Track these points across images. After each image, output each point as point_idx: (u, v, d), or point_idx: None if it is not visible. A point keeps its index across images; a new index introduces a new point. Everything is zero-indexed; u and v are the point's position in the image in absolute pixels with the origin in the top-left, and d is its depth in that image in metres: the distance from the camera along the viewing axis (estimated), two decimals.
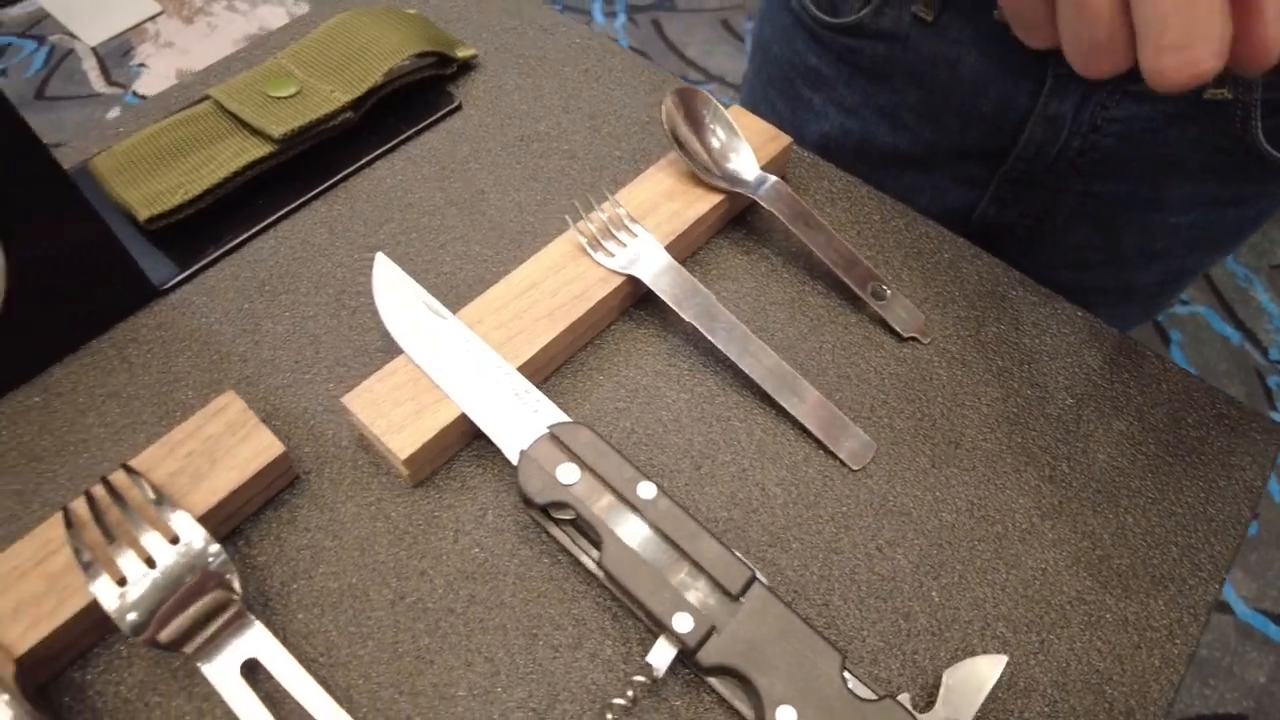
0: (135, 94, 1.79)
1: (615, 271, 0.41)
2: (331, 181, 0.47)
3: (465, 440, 0.38)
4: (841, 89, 0.59)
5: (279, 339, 0.42)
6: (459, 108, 0.51)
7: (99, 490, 0.34)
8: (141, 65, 1.84)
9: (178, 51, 1.87)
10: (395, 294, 0.39)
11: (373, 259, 0.44)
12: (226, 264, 0.44)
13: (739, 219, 0.47)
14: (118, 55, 1.87)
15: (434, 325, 0.39)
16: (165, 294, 0.43)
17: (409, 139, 0.49)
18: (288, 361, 0.41)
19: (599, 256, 0.41)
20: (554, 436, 0.35)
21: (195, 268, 0.44)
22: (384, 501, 0.37)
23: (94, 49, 1.88)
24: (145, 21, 1.93)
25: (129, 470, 0.35)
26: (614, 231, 0.42)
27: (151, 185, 0.43)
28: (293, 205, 0.46)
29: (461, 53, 0.52)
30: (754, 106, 0.67)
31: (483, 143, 0.50)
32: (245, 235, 0.45)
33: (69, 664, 0.33)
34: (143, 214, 0.42)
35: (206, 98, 0.47)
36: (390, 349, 0.41)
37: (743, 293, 0.44)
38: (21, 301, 0.38)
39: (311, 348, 0.41)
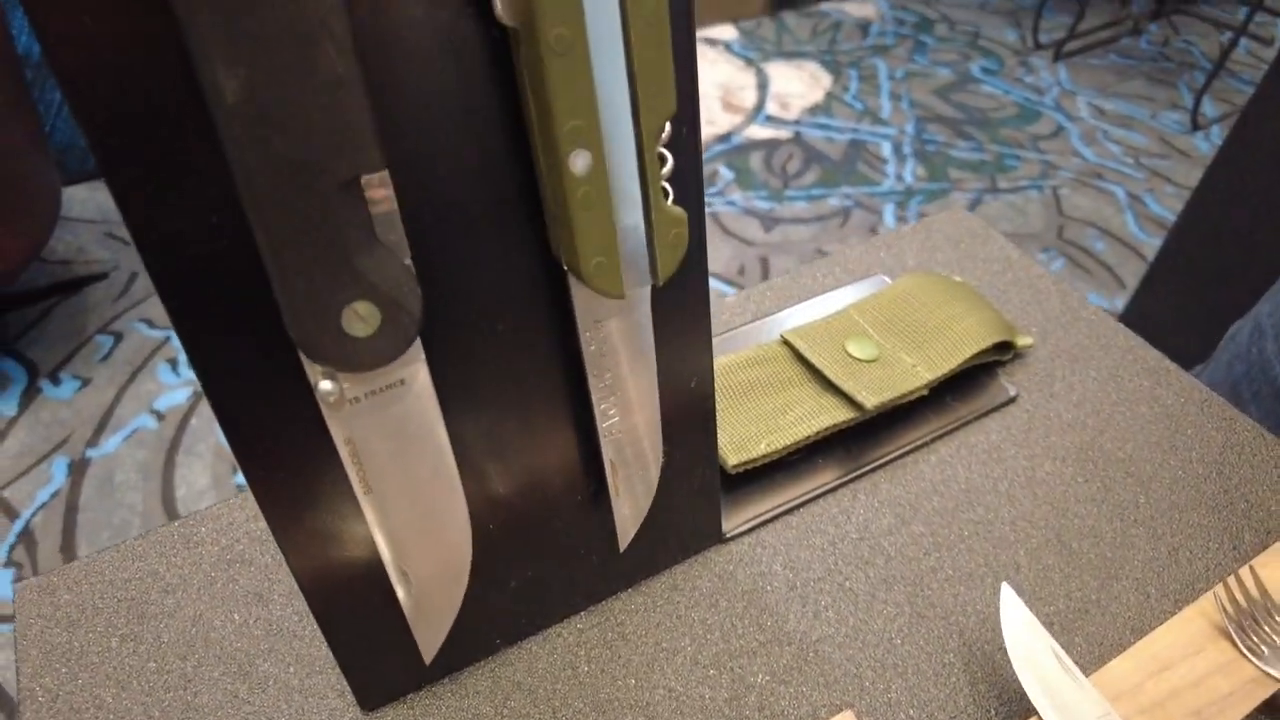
0: None
1: (1269, 674, 0.35)
2: (893, 456, 0.44)
3: None
4: None
5: (849, 634, 0.38)
6: (1015, 399, 0.48)
7: None
8: None
9: None
10: (1025, 639, 0.35)
11: (942, 563, 0.41)
12: (783, 523, 0.42)
13: None
14: None
15: (1070, 691, 0.34)
16: (725, 542, 0.41)
17: (964, 425, 0.46)
18: (870, 666, 0.37)
19: (1243, 645, 0.36)
20: None
21: (759, 520, 0.41)
22: None
23: None
24: None
25: None
26: (1260, 622, 0.37)
27: (736, 429, 0.42)
28: (854, 474, 0.43)
29: (1020, 341, 0.49)
30: None
31: (1039, 445, 0.46)
32: (808, 496, 0.42)
33: None
34: (731, 460, 0.41)
35: (779, 337, 0.47)
36: (997, 692, 0.37)
37: None
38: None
39: (888, 655, 0.37)
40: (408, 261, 0.25)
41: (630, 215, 0.26)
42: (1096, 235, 1.90)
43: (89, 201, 1.81)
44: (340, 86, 0.21)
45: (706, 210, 1.82)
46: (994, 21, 2.66)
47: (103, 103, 0.21)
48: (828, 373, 0.44)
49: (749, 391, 0.44)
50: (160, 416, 1.40)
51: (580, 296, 0.28)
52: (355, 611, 0.32)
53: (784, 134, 2.07)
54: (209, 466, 1.33)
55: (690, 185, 0.28)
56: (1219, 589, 0.37)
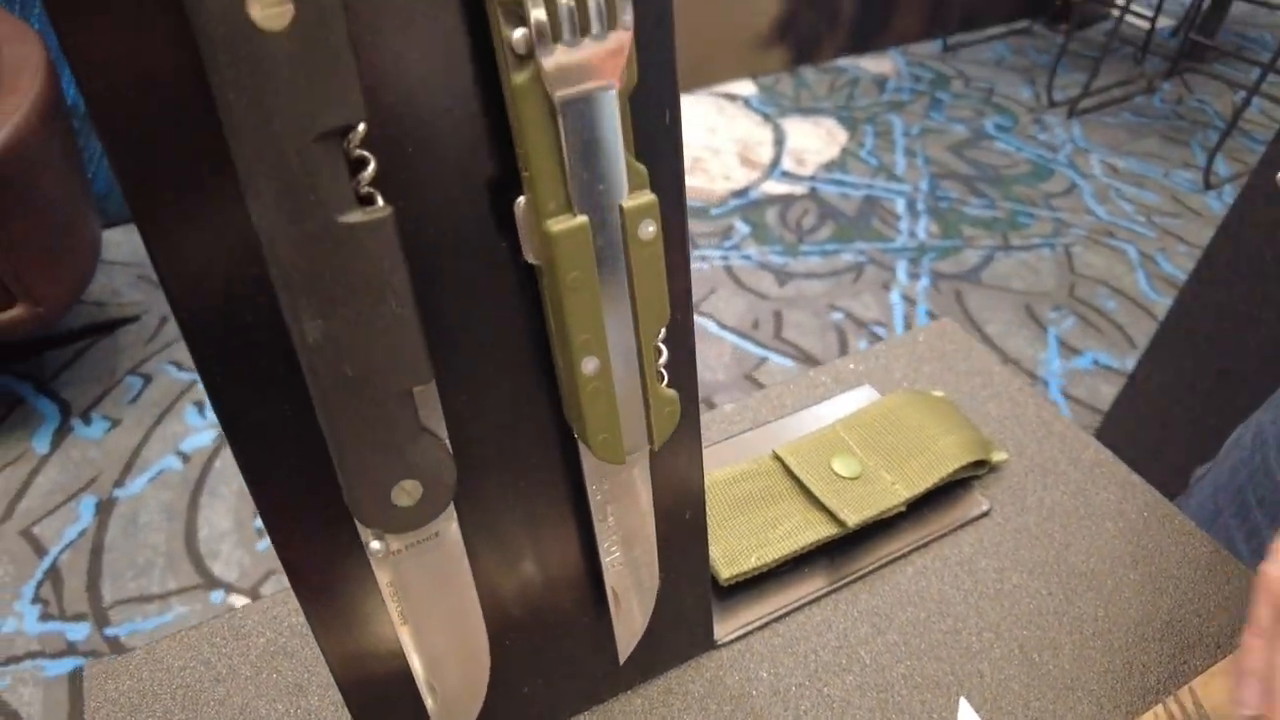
0: None
1: None
2: (873, 567, 0.49)
3: None
4: None
5: None
6: (988, 512, 0.52)
7: None
8: None
9: None
10: None
11: (912, 671, 0.45)
12: (770, 631, 0.46)
13: None
14: None
15: None
16: (717, 648, 0.45)
17: (940, 538, 0.51)
18: None
19: None
20: None
21: (748, 629, 0.46)
22: None
23: None
24: None
25: None
26: None
27: (730, 542, 0.47)
28: (837, 584, 0.48)
29: (995, 457, 0.53)
30: (1199, 510, 0.64)
31: (1009, 558, 0.50)
32: (794, 606, 0.47)
33: None
34: (724, 573, 0.45)
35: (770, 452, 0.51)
36: None
37: None
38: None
39: None
40: (446, 441, 0.30)
41: (631, 400, 0.31)
42: (1108, 294, 1.93)
43: (124, 244, 1.89)
44: (399, 325, 0.26)
45: (722, 263, 1.88)
46: (1009, 78, 2.72)
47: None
48: (814, 490, 0.49)
49: (742, 505, 0.48)
50: (186, 458, 1.46)
51: (588, 458, 0.33)
52: (388, 714, 0.37)
53: (799, 189, 2.13)
54: (232, 509, 1.38)
55: (683, 367, 0.33)
56: (1159, 709, 0.41)
